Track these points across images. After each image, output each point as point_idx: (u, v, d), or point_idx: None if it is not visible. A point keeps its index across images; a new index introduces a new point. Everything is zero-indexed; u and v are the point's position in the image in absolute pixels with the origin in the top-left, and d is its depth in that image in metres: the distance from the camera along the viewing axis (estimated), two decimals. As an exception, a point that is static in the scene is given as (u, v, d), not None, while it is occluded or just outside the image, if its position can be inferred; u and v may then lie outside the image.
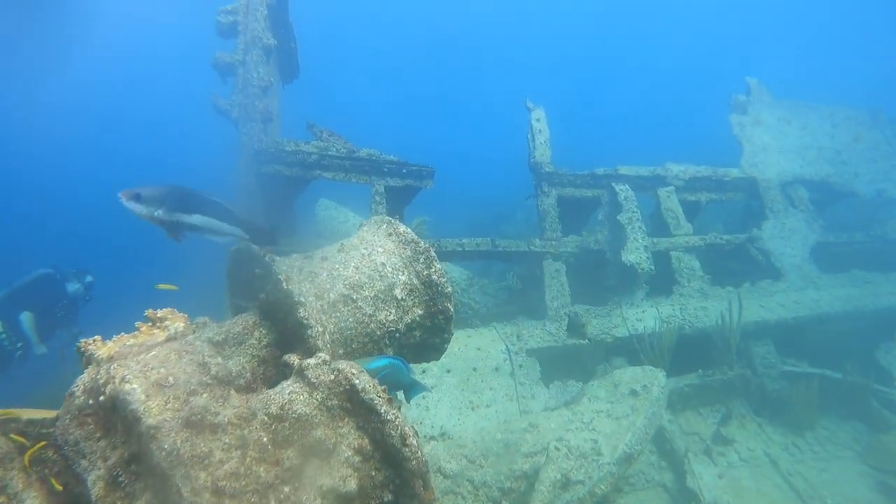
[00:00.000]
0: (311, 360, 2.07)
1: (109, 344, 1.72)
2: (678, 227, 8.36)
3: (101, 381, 1.55)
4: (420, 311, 2.95)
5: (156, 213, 2.74)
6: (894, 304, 7.84)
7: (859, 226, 9.82)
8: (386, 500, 1.92)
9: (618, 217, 8.04)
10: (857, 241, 9.20)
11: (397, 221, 3.13)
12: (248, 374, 2.53)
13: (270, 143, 7.12)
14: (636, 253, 7.61)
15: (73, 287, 7.20)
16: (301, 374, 2.06)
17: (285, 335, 2.60)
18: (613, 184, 8.40)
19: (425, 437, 5.29)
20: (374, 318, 2.79)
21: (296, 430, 1.89)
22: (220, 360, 1.74)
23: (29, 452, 1.60)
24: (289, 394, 1.98)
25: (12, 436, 1.69)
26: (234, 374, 2.34)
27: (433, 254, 2.97)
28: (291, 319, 2.49)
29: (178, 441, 1.39)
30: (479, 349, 6.53)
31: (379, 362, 2.32)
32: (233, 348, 2.62)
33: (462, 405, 5.77)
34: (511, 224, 16.42)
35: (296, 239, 7.30)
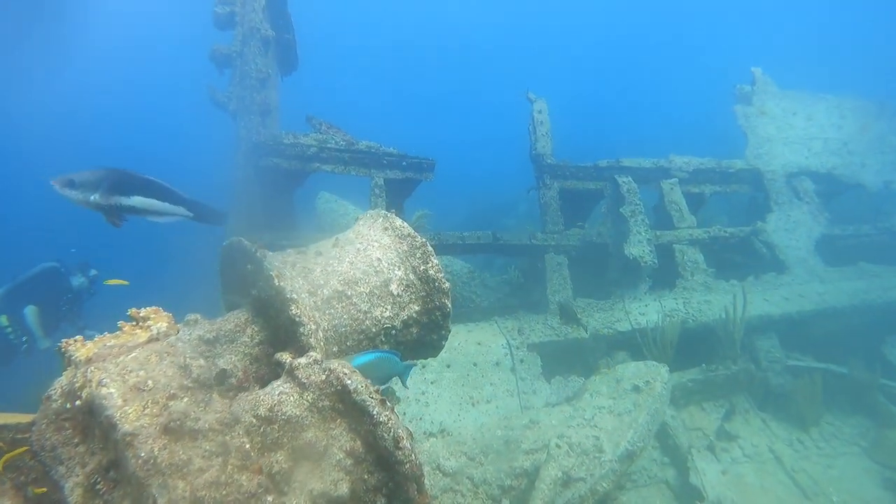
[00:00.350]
0: (302, 360, 2.00)
1: (89, 345, 1.65)
2: (682, 219, 8.26)
3: (77, 385, 1.49)
4: (417, 308, 2.88)
5: (91, 198, 2.65)
6: (901, 298, 7.73)
7: (866, 218, 9.67)
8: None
9: (620, 210, 7.95)
10: (863, 234, 9.08)
11: (393, 215, 3.06)
12: (240, 373, 2.47)
13: (269, 135, 7.03)
14: (639, 246, 7.53)
15: (77, 281, 7.19)
16: (292, 373, 1.99)
17: (278, 332, 2.54)
18: (616, 176, 8.30)
19: (424, 433, 5.24)
20: (369, 315, 2.72)
21: (285, 433, 1.83)
22: (202, 361, 1.67)
23: (4, 458, 1.54)
24: (278, 395, 1.91)
25: None
26: (221, 376, 2.28)
27: (430, 248, 2.90)
28: (284, 317, 2.42)
29: (156, 448, 1.32)
30: (479, 344, 6.47)
31: (365, 357, 2.27)
32: (224, 346, 2.56)
33: (462, 401, 5.71)
34: (513, 217, 16.34)
35: (295, 233, 7.23)
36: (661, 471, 5.58)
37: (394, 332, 2.81)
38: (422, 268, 2.86)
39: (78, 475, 1.44)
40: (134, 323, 1.81)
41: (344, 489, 1.81)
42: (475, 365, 6.17)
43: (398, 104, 52.18)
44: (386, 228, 2.99)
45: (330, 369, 1.96)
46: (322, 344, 2.45)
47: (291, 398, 1.90)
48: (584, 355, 6.98)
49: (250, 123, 7.02)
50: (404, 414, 5.40)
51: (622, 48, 57.25)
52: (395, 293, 2.81)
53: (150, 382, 1.46)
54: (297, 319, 2.34)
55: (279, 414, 1.84)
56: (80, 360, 1.58)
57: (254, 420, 1.79)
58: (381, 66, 55.09)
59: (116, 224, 2.82)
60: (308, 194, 9.89)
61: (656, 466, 5.60)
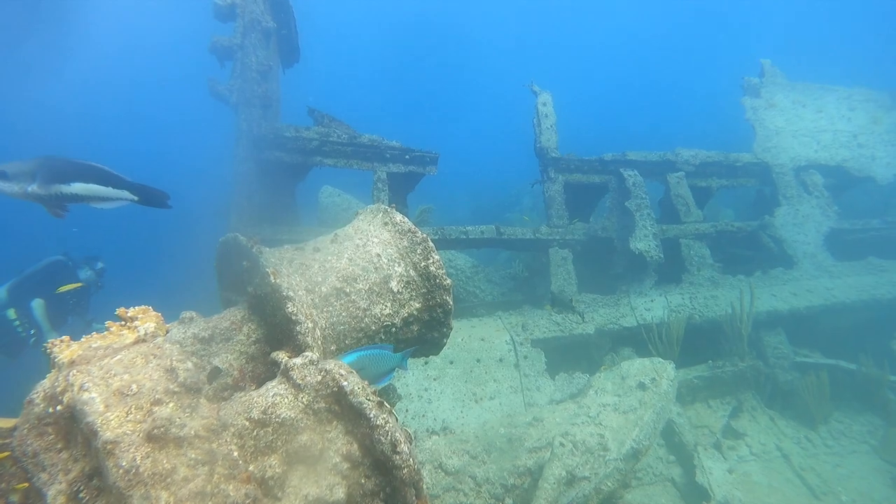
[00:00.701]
0: (297, 360, 1.94)
1: (74, 346, 1.59)
2: (688, 213, 8.15)
3: (58, 389, 1.42)
4: (417, 305, 2.81)
5: (29, 189, 2.48)
6: (911, 293, 7.61)
7: (875, 212, 9.53)
8: (376, 509, 1.80)
9: (626, 203, 7.85)
10: (872, 228, 8.94)
11: (394, 210, 2.98)
12: (237, 372, 2.42)
13: (270, 128, 6.95)
14: (645, 240, 7.43)
15: (84, 274, 7.17)
16: (286, 374, 1.93)
17: (275, 331, 2.48)
18: (622, 169, 8.19)
19: (427, 430, 5.18)
20: (368, 313, 2.66)
21: (280, 436, 1.77)
22: (190, 364, 1.61)
23: (-15, 464, 1.48)
24: (272, 396, 1.85)
25: None
26: (214, 373, 2.22)
27: (431, 244, 2.82)
28: (280, 315, 2.36)
29: (138, 457, 1.26)
30: (483, 339, 6.40)
31: (354, 355, 2.21)
32: (220, 344, 2.50)
33: (465, 397, 5.65)
34: (517, 211, 16.24)
35: (297, 227, 7.17)
36: (666, 469, 5.50)
37: (394, 329, 2.75)
38: (423, 264, 2.79)
39: (61, 482, 1.38)
40: (122, 323, 1.75)
41: (340, 494, 1.75)
42: (478, 361, 6.10)
43: (402, 97, 51.97)
44: (386, 224, 2.92)
45: (326, 370, 1.89)
46: (320, 342, 2.39)
47: (286, 400, 1.83)
48: (589, 351, 6.91)
49: (251, 116, 6.93)
50: (406, 411, 5.34)
51: (634, 40, 56.78)
52: (396, 290, 2.74)
53: (134, 387, 1.40)
54: (294, 318, 2.28)
55: (273, 416, 1.77)
56: (63, 363, 1.52)
57: (247, 423, 1.73)
58: (385, 58, 54.83)
59: (59, 215, 2.67)
60: (311, 189, 9.83)
61: (662, 464, 5.53)
